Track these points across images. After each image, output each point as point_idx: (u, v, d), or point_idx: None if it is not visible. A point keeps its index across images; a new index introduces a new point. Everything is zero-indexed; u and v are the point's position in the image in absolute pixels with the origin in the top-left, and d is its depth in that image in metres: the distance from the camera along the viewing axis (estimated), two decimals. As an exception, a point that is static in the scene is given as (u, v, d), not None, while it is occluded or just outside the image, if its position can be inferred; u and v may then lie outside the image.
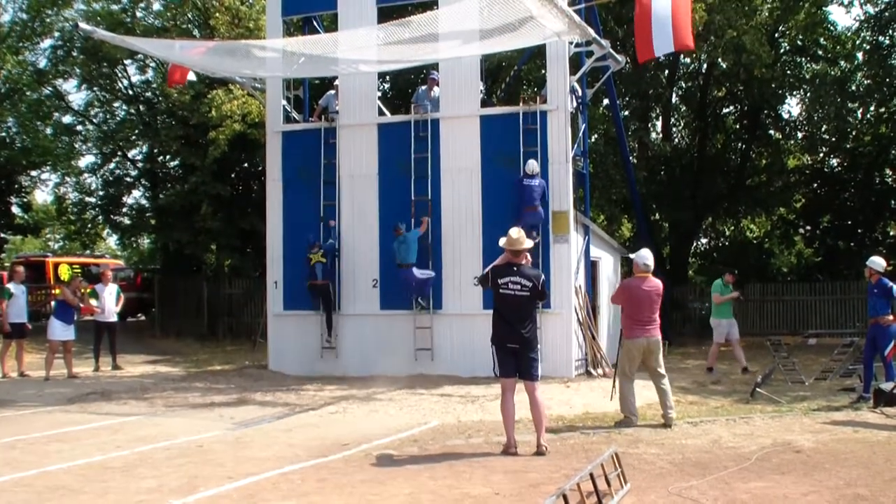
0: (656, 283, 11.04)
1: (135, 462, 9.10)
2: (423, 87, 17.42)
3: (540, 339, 9.58)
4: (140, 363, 20.82)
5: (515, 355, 9.30)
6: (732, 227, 35.31)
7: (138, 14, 31.63)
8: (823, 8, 27.97)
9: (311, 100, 19.43)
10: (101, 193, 34.85)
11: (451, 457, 9.15)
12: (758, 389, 13.71)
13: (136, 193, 36.00)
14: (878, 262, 13.59)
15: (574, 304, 15.83)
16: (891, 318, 13.16)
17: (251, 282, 28.90)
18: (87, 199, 35.92)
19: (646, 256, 11.06)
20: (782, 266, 34.17)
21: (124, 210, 35.15)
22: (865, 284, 14.32)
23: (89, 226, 36.56)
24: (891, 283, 13.18)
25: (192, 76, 19.79)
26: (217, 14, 26.59)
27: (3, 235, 36.60)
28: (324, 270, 16.65)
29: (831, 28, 29.12)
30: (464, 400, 13.18)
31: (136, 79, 34.05)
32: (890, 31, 27.20)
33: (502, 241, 9.46)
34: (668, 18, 15.70)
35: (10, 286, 18.14)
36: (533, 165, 15.57)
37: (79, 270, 30.38)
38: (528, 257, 9.68)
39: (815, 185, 31.54)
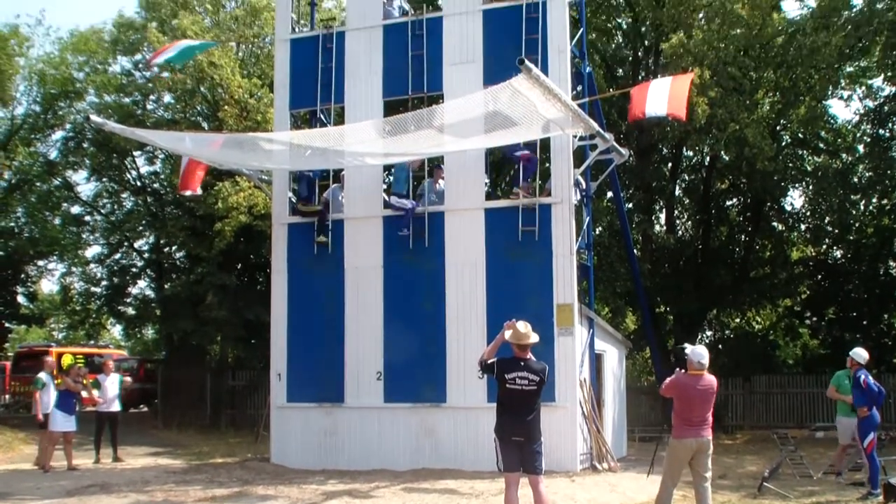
0: (711, 381, 10.28)
1: (133, 558, 8.97)
2: (429, 180, 17.56)
3: (544, 432, 9.45)
4: (141, 455, 20.61)
5: (520, 448, 9.21)
6: (738, 319, 35.19)
7: (149, 106, 32.25)
8: (823, 102, 28.38)
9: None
10: (106, 283, 35.06)
11: (454, 554, 9.01)
12: (765, 484, 13.54)
13: (142, 283, 36.28)
14: (859, 353, 13.61)
15: (579, 397, 15.72)
16: (865, 409, 13.07)
17: (255, 373, 28.80)
18: (93, 288, 36.09)
19: (701, 354, 10.31)
20: (788, 358, 33.95)
21: (129, 300, 35.31)
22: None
23: (94, 315, 36.61)
24: (863, 376, 13.12)
25: (199, 191, 20.12)
26: (226, 107, 27.06)
27: (7, 325, 36.60)
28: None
29: (832, 121, 29.42)
30: (468, 495, 13.02)
31: (144, 170, 34.64)
32: (889, 125, 27.54)
33: (508, 335, 9.39)
34: (667, 88, 16.07)
35: (42, 375, 17.97)
36: None
37: (82, 360, 30.24)
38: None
39: (820, 276, 31.55)
